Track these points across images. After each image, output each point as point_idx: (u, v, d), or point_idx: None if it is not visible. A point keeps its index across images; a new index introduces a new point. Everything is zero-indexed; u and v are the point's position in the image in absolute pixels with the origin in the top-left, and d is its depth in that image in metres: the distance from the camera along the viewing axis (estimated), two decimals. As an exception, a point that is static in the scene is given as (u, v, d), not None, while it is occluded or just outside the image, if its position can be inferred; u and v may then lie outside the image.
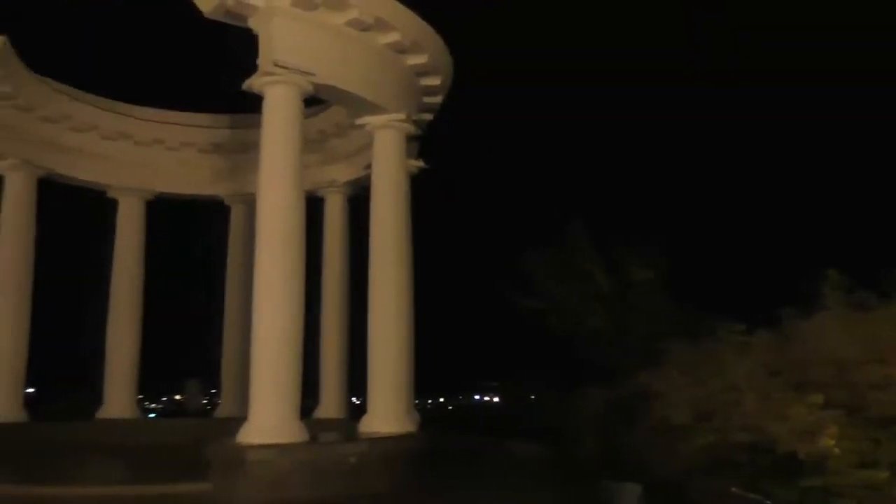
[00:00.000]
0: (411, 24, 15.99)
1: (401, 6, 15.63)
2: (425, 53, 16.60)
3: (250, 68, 14.54)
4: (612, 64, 44.47)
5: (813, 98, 37.79)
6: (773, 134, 39.98)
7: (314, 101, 16.99)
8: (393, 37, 15.82)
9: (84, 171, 21.89)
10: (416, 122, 17.36)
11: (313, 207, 19.67)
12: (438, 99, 18.25)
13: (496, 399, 54.65)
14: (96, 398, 22.00)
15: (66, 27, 37.33)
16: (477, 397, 60.43)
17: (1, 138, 19.30)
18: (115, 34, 40.60)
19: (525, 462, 16.93)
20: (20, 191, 20.29)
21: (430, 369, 19.50)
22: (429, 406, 42.85)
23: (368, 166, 17.64)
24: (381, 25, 15.49)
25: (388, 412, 15.50)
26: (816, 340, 11.30)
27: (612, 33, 43.72)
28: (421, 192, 18.33)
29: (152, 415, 33.26)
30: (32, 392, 25.29)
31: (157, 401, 45.00)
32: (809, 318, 11.67)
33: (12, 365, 19.76)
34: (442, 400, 53.73)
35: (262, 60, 14.35)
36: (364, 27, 15.35)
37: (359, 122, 16.97)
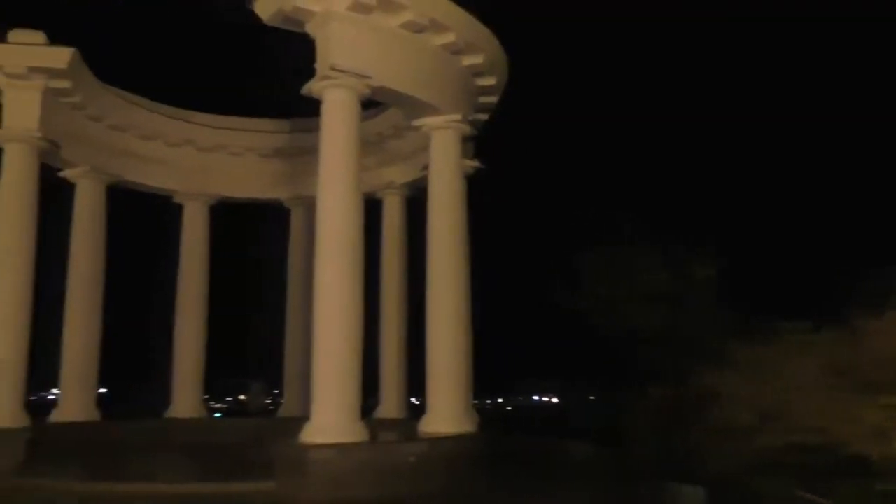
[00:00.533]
0: (466, 25, 16.04)
1: (455, 7, 15.69)
2: (481, 54, 16.63)
3: (309, 72, 14.84)
4: (665, 63, 43.66)
5: (869, 98, 36.41)
6: (833, 131, 38.66)
7: (372, 104, 17.17)
8: (448, 38, 15.90)
9: (151, 177, 22.53)
10: (472, 123, 17.39)
11: (371, 209, 19.87)
12: (494, 99, 18.24)
13: (555, 399, 54.26)
14: (164, 398, 22.66)
15: (124, 35, 38.36)
16: (535, 398, 60.08)
17: (72, 147, 19.94)
18: (173, 41, 41.52)
19: (584, 463, 16.78)
20: (90, 197, 20.95)
21: (488, 369, 19.49)
22: (487, 406, 42.78)
23: (425, 167, 17.75)
24: (435, 27, 15.58)
25: (447, 412, 15.59)
26: (885, 339, 10.97)
27: (662, 32, 42.97)
28: (478, 190, 18.36)
29: (218, 414, 33.96)
30: (105, 392, 26.08)
31: (222, 401, 45.91)
32: (876, 317, 11.32)
33: (85, 366, 20.44)
34: (500, 400, 53.55)
35: (320, 65, 14.59)
36: (419, 29, 15.46)
37: (415, 123, 17.10)
